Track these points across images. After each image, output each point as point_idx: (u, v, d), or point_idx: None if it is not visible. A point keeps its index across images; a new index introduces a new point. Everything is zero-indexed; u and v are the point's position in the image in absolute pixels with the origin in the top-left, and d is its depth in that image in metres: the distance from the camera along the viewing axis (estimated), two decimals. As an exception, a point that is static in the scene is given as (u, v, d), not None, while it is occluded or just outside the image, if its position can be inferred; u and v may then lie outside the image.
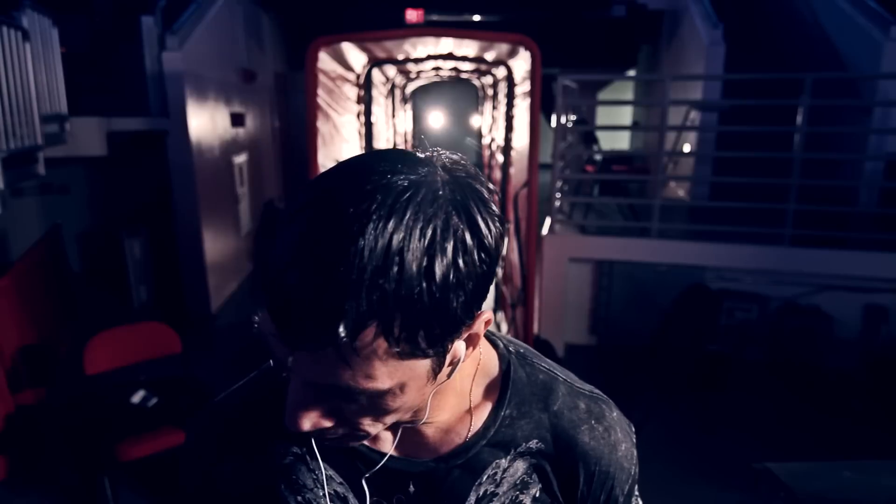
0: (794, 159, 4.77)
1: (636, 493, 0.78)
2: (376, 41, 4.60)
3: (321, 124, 4.06)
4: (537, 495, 0.70)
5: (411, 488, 0.68)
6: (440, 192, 0.52)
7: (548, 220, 5.27)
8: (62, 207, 6.26)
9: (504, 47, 4.52)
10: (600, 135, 7.25)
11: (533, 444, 0.70)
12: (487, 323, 0.58)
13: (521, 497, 0.69)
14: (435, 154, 0.57)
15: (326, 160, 4.38)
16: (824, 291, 4.97)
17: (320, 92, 4.02)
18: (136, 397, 3.32)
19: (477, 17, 9.91)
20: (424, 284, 0.49)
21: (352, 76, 5.23)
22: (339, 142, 4.84)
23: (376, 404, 0.56)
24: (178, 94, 5.67)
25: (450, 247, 0.50)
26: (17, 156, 3.95)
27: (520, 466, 0.69)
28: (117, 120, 5.53)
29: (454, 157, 0.57)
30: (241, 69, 7.56)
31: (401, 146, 9.33)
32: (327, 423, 0.57)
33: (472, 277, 0.52)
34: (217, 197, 6.68)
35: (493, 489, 0.68)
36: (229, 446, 0.70)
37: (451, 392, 0.67)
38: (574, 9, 9.96)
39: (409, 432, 0.68)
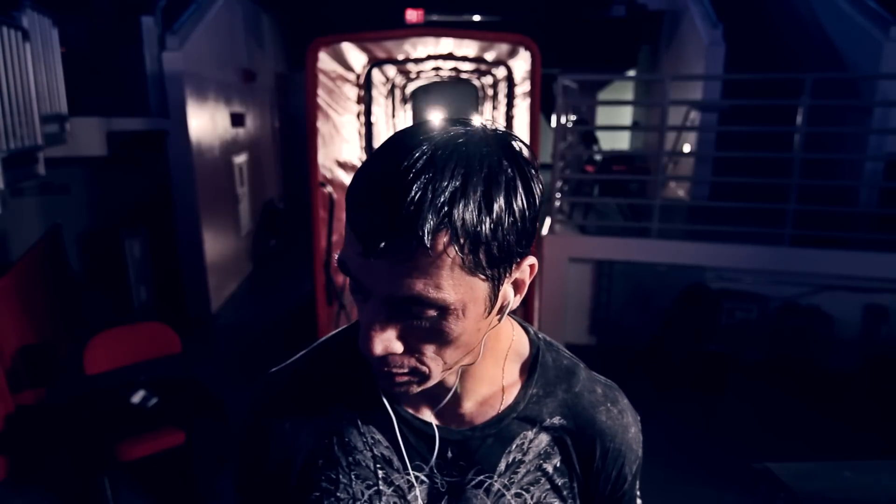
0: (793, 159, 4.77)
1: (638, 482, 0.85)
2: (376, 41, 4.60)
3: (321, 124, 4.06)
4: (558, 465, 0.78)
5: (449, 454, 0.75)
6: (490, 142, 0.61)
7: (548, 220, 5.27)
8: (62, 207, 6.25)
9: (504, 47, 4.52)
10: (600, 135, 7.25)
11: (556, 420, 0.78)
12: (532, 269, 0.65)
13: (545, 465, 0.77)
14: (477, 120, 0.66)
15: (326, 160, 4.38)
16: (824, 291, 4.97)
17: (320, 92, 4.02)
18: (136, 397, 3.32)
19: (477, 18, 9.91)
20: (485, 210, 0.57)
21: (352, 76, 5.22)
22: (339, 142, 4.84)
23: (441, 327, 0.61)
24: (179, 94, 5.67)
25: (503, 182, 0.59)
26: (18, 156, 3.95)
27: (544, 439, 0.77)
28: (117, 120, 5.54)
29: (493, 123, 0.66)
30: (241, 69, 7.56)
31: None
32: (397, 348, 0.62)
33: (521, 213, 0.60)
34: (217, 197, 6.68)
35: (520, 457, 0.76)
36: (285, 410, 0.77)
37: (489, 367, 0.75)
38: (574, 9, 9.97)
39: (449, 405, 0.75)
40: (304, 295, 6.68)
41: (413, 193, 0.56)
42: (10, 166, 3.79)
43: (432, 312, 0.60)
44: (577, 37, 10.47)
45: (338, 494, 0.74)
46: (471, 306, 0.61)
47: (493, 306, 0.65)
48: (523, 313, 4.10)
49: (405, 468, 0.75)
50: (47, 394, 4.04)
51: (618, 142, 13.39)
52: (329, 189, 4.34)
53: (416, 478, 0.75)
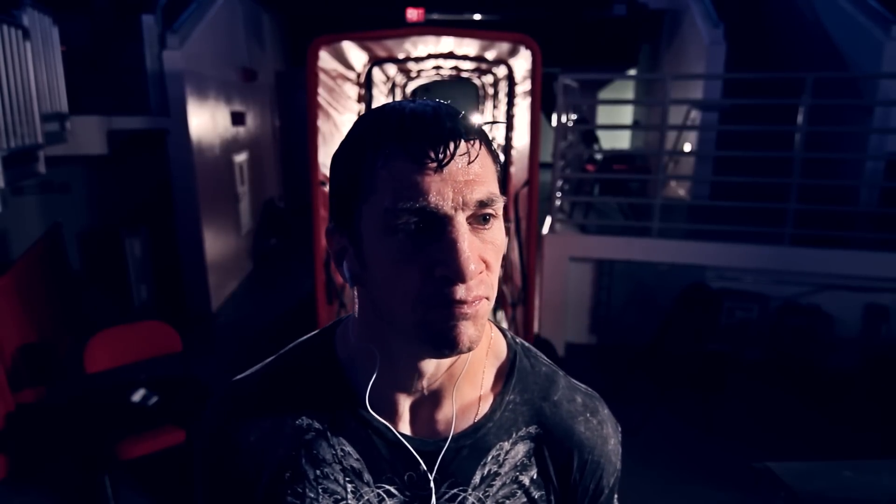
0: (794, 159, 4.76)
1: (616, 495, 0.82)
2: (377, 40, 4.60)
3: (322, 123, 4.06)
4: (534, 477, 0.76)
5: (422, 467, 0.72)
6: None
7: (548, 220, 5.27)
8: (62, 206, 6.26)
9: (505, 46, 4.51)
10: (601, 134, 7.25)
11: (532, 428, 0.76)
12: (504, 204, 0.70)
13: (521, 477, 0.75)
14: None
15: (327, 159, 4.38)
16: (825, 291, 4.97)
17: (321, 91, 4.02)
18: (137, 396, 3.32)
19: (477, 16, 9.90)
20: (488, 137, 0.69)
21: (352, 75, 5.22)
22: (339, 140, 4.84)
23: (496, 232, 0.66)
24: (179, 92, 5.67)
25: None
26: (18, 154, 3.95)
27: (520, 449, 0.75)
28: (118, 119, 5.53)
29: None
30: (241, 68, 7.56)
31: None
32: (481, 265, 0.64)
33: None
34: (217, 196, 6.68)
35: (496, 469, 0.74)
36: (251, 419, 0.74)
37: (472, 364, 0.74)
38: (575, 8, 9.96)
39: (427, 408, 0.74)
40: (304, 294, 6.68)
41: (453, 111, 0.66)
42: (11, 165, 3.79)
43: (493, 212, 0.65)
44: (577, 36, 10.47)
45: None
46: (499, 217, 0.67)
47: (507, 225, 0.71)
48: (523, 312, 4.10)
49: (376, 481, 0.72)
50: (48, 392, 4.05)
51: (618, 141, 13.39)
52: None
53: (388, 492, 0.73)
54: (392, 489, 0.73)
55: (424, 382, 0.72)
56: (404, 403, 0.74)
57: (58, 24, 4.64)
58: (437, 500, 0.72)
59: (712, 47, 6.43)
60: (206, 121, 6.25)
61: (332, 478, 0.72)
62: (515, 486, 0.75)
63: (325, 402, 0.74)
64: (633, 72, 10.87)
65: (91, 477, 3.36)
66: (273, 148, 9.30)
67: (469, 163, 0.64)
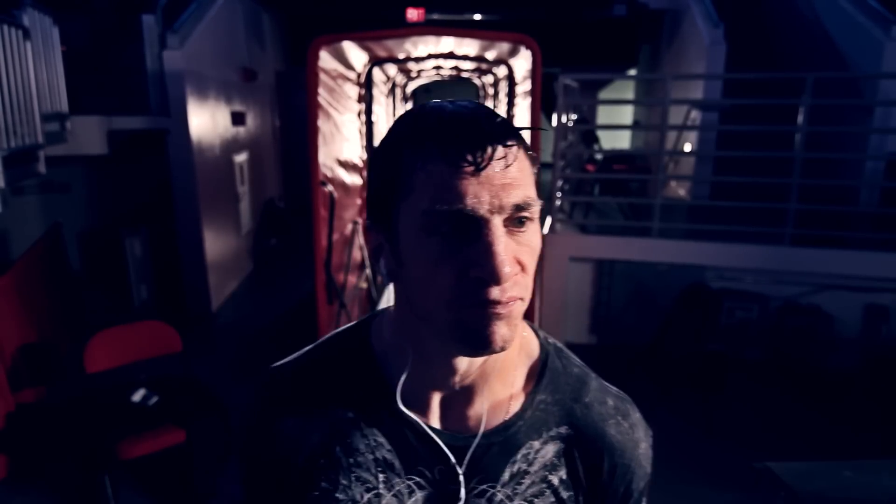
0: (794, 159, 4.76)
1: (646, 496, 0.83)
2: (377, 40, 4.60)
3: (322, 123, 4.06)
4: (564, 478, 0.76)
5: (452, 460, 0.74)
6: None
7: (548, 220, 5.27)
8: (63, 206, 6.25)
9: (505, 46, 4.51)
10: (601, 134, 7.25)
11: (563, 429, 0.77)
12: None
13: (550, 477, 0.76)
14: None
15: (327, 159, 4.38)
16: (825, 291, 4.97)
17: (321, 91, 4.02)
18: (137, 396, 3.32)
19: (478, 17, 9.90)
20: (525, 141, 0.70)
21: (353, 75, 5.22)
22: (339, 141, 4.83)
23: (532, 234, 0.67)
24: (179, 92, 5.67)
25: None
26: (18, 154, 3.95)
27: (550, 449, 0.76)
28: (118, 119, 5.53)
29: None
30: (241, 68, 7.56)
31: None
32: (516, 267, 0.65)
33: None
34: (217, 196, 6.68)
35: (525, 468, 0.75)
36: (288, 406, 0.78)
37: (505, 362, 0.76)
38: (575, 8, 9.95)
39: (460, 404, 0.76)
40: (304, 294, 6.68)
41: (492, 114, 0.67)
42: (11, 165, 3.79)
43: (529, 216, 0.66)
44: (578, 36, 10.46)
45: (336, 496, 0.74)
46: (536, 219, 0.68)
47: (542, 225, 0.70)
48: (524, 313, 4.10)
49: (407, 473, 0.74)
50: (48, 392, 4.05)
51: (618, 141, 13.38)
52: (330, 188, 4.34)
53: (418, 483, 0.74)
54: (422, 482, 0.74)
55: (457, 379, 0.74)
56: (436, 399, 0.75)
57: (58, 24, 4.64)
58: (466, 494, 0.74)
59: (712, 47, 6.43)
60: (206, 121, 6.25)
61: (364, 467, 0.74)
62: (544, 485, 0.76)
63: (359, 394, 0.77)
64: (633, 72, 10.86)
65: (91, 477, 3.36)
66: (273, 148, 9.30)
67: (507, 166, 0.64)
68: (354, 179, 5.53)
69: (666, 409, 4.28)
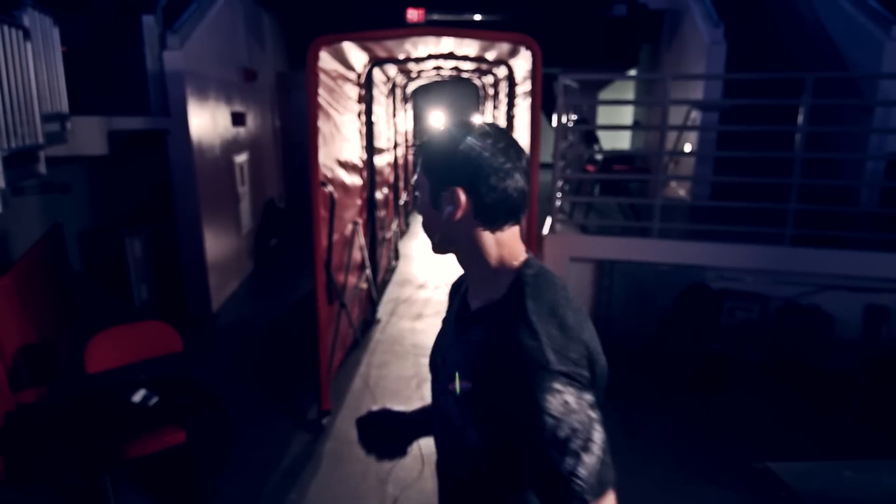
0: (794, 159, 4.76)
1: (544, 394, 1.05)
2: (377, 41, 4.60)
3: (322, 123, 4.06)
4: (481, 342, 1.18)
5: (462, 320, 1.29)
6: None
7: (548, 220, 5.26)
8: (63, 206, 6.25)
9: (505, 47, 4.52)
10: (601, 134, 7.25)
11: (489, 327, 1.18)
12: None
13: (479, 344, 1.19)
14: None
15: (327, 159, 4.38)
16: (825, 291, 4.97)
17: (321, 91, 4.02)
18: (137, 396, 3.32)
19: (478, 17, 9.90)
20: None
21: (353, 75, 5.22)
22: (339, 141, 4.84)
23: (420, 205, 1.31)
24: (179, 93, 5.67)
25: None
26: (19, 155, 3.95)
27: (482, 334, 1.18)
28: (118, 119, 5.54)
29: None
30: (241, 68, 7.56)
31: (401, 145, 9.33)
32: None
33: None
34: (218, 196, 6.68)
35: (467, 338, 1.23)
36: (461, 280, 1.42)
37: (489, 279, 1.23)
38: (575, 8, 9.96)
39: (471, 295, 1.30)
40: (304, 294, 6.68)
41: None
42: (11, 165, 3.79)
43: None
44: (578, 36, 10.47)
45: (445, 315, 1.41)
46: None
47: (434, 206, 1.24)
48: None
49: (451, 319, 1.35)
50: (48, 392, 4.05)
51: (619, 141, 13.40)
52: (330, 188, 4.34)
53: (449, 319, 1.37)
54: (450, 317, 1.36)
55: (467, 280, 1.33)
56: (471, 290, 1.30)
57: (58, 25, 4.64)
58: (456, 328, 1.29)
59: (713, 47, 6.43)
60: (206, 121, 6.25)
61: (452, 308, 1.38)
62: (474, 345, 1.20)
63: (462, 286, 1.38)
64: (633, 72, 10.86)
65: (91, 477, 3.36)
66: (273, 148, 9.30)
67: None
68: (354, 180, 5.54)
69: (666, 408, 4.28)
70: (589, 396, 1.08)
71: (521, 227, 1.27)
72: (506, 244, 1.21)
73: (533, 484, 1.12)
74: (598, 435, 1.07)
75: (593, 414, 1.08)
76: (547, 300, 1.16)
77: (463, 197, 1.16)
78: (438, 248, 1.27)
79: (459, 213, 1.17)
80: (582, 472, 1.05)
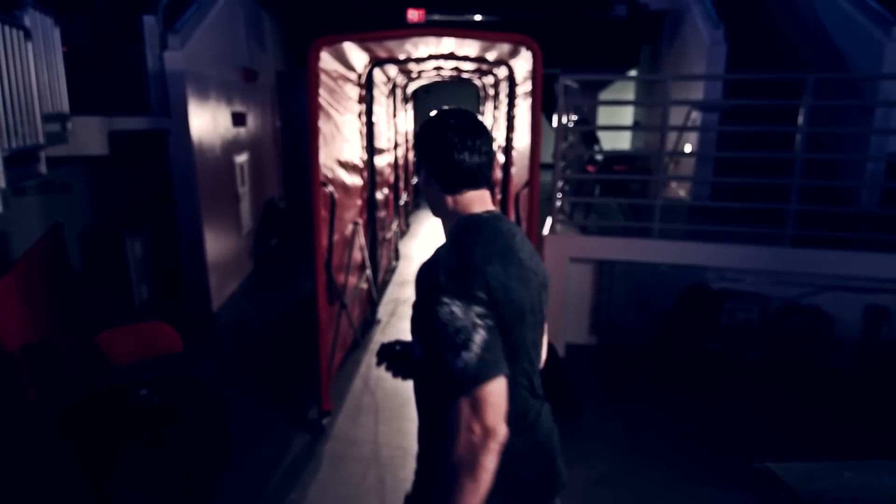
0: (795, 159, 4.76)
1: (441, 296, 1.39)
2: (378, 41, 4.60)
3: (323, 124, 4.06)
4: (421, 290, 1.50)
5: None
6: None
7: (549, 220, 5.27)
8: (63, 206, 6.25)
9: (505, 47, 4.52)
10: (601, 135, 7.25)
11: (434, 259, 1.49)
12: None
13: (420, 287, 1.50)
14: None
15: (328, 159, 4.38)
16: (825, 292, 4.97)
17: (322, 91, 4.02)
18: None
19: (478, 17, 9.91)
20: None
21: (353, 76, 5.22)
22: (340, 141, 4.84)
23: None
24: (180, 93, 5.68)
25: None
26: (19, 155, 3.95)
27: (434, 270, 1.46)
28: (119, 119, 5.54)
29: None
30: (242, 68, 7.56)
31: (402, 146, 9.33)
32: None
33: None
34: (218, 196, 6.68)
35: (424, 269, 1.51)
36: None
37: (446, 218, 1.60)
38: (575, 9, 9.96)
39: None
40: (305, 294, 6.68)
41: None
42: (12, 165, 3.79)
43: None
44: (578, 37, 10.47)
45: None
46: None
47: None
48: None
49: None
50: (48, 393, 4.04)
51: (619, 142, 13.39)
52: (330, 188, 4.34)
53: None
54: None
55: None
56: None
57: (59, 25, 4.64)
58: None
59: (713, 48, 6.43)
60: (207, 121, 6.25)
61: None
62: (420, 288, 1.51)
63: None
64: (633, 72, 10.87)
65: (91, 478, 3.36)
66: (274, 148, 9.30)
67: None
68: (355, 180, 5.54)
69: (666, 409, 4.28)
70: (479, 309, 1.37)
71: (492, 192, 1.63)
72: (462, 204, 1.55)
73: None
74: (479, 337, 1.34)
75: (479, 321, 1.35)
76: (464, 241, 1.48)
77: (425, 169, 1.57)
78: (432, 211, 1.63)
79: (425, 181, 1.56)
80: (460, 364, 1.31)
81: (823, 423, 4.26)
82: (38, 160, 4.33)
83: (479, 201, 1.56)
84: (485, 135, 1.55)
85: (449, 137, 1.52)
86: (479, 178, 1.55)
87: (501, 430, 1.31)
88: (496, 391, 1.32)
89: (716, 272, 5.06)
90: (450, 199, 1.55)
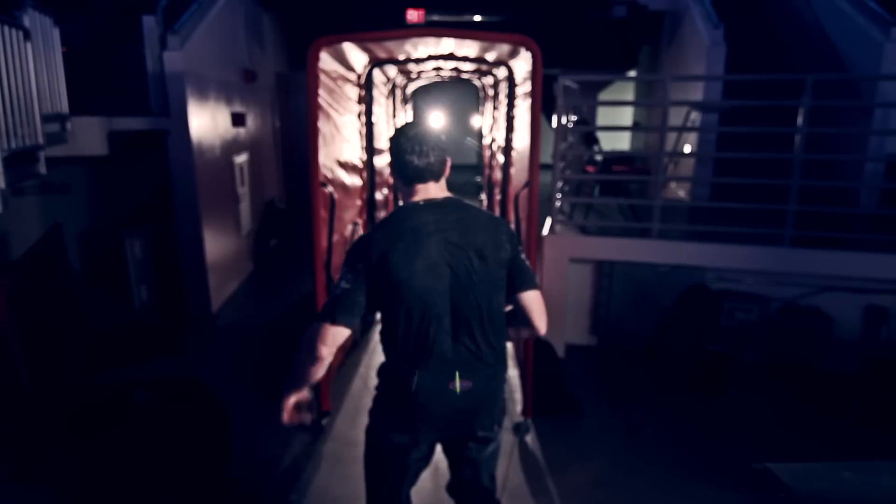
0: (794, 160, 4.77)
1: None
2: (377, 41, 4.60)
3: (322, 124, 4.06)
4: None
5: None
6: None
7: (548, 221, 5.27)
8: (63, 207, 6.26)
9: (505, 48, 4.52)
10: (601, 135, 7.25)
11: None
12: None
13: None
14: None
15: (327, 160, 4.38)
16: (825, 292, 4.97)
17: (321, 92, 4.02)
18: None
19: (478, 18, 9.90)
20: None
21: (353, 76, 5.22)
22: (339, 141, 4.84)
23: None
24: (179, 93, 5.67)
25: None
26: (19, 155, 3.96)
27: None
28: (118, 119, 5.54)
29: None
30: (242, 69, 7.56)
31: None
32: None
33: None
34: (218, 197, 6.68)
35: None
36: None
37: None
38: (575, 9, 9.96)
39: None
40: (304, 295, 6.68)
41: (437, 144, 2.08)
42: (11, 165, 3.79)
43: None
44: (578, 37, 10.48)
45: None
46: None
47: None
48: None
49: None
50: (47, 394, 4.04)
51: (618, 142, 13.40)
52: (330, 189, 4.34)
53: None
54: None
55: None
56: None
57: (59, 25, 4.65)
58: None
59: (712, 48, 6.44)
60: (206, 122, 6.25)
61: None
62: None
63: None
64: (633, 73, 10.87)
65: (91, 478, 3.35)
66: (273, 149, 9.30)
67: None
68: (354, 180, 5.54)
69: (666, 409, 4.28)
70: (349, 276, 1.99)
71: (437, 185, 2.08)
72: (410, 194, 2.06)
73: None
74: (338, 290, 1.99)
75: (347, 280, 1.99)
76: (381, 223, 2.05)
77: (391, 167, 2.09)
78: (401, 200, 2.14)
79: (391, 178, 1.97)
80: (324, 304, 2.03)
81: (823, 423, 4.26)
82: (38, 160, 4.33)
83: (423, 192, 2.05)
84: (431, 142, 2.01)
85: (402, 143, 2.01)
86: (426, 174, 2.02)
87: (323, 352, 2.08)
88: (330, 331, 2.02)
89: (715, 273, 5.06)
90: (403, 190, 2.08)
